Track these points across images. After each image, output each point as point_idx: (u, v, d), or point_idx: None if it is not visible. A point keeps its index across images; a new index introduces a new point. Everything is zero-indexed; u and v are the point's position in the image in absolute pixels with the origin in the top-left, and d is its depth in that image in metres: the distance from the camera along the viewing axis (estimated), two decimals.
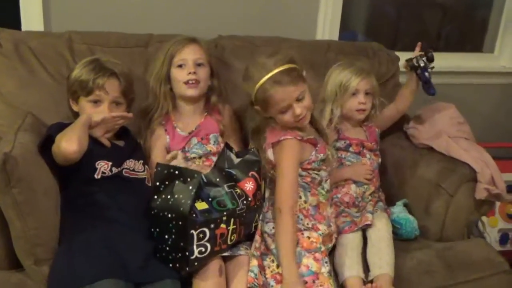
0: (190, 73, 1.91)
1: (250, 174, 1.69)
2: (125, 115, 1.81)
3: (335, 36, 2.65)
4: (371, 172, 2.02)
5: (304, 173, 1.77)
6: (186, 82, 1.92)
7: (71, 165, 1.62)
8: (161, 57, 1.95)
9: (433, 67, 2.04)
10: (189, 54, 1.93)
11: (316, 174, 1.78)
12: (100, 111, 1.77)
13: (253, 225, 1.72)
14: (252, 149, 1.75)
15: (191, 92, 1.94)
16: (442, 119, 2.12)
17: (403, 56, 2.53)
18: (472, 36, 3.23)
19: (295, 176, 1.70)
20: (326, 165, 1.81)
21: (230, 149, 1.78)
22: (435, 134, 2.09)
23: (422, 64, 2.02)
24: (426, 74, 2.02)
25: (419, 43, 2.09)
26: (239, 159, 1.73)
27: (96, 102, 1.79)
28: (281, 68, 1.64)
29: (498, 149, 2.76)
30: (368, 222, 1.84)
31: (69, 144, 1.55)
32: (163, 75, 1.95)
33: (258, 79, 1.66)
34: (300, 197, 1.75)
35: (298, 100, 1.67)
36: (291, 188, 1.68)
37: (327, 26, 2.61)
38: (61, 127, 1.68)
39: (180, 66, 1.93)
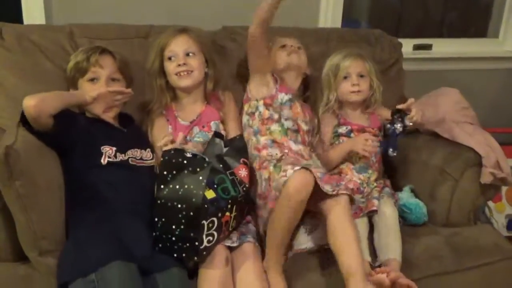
0: (179, 64, 1.90)
1: (241, 161, 1.72)
2: (123, 90, 1.81)
3: (337, 24, 2.64)
4: (371, 143, 1.96)
5: (262, 108, 1.99)
6: (177, 74, 1.91)
7: (68, 146, 1.64)
8: (153, 51, 1.95)
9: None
10: (178, 46, 1.92)
11: (276, 111, 1.97)
12: (97, 88, 1.77)
13: (245, 210, 1.75)
14: (238, 137, 1.79)
15: (183, 83, 1.93)
16: (446, 104, 2.11)
17: (406, 43, 2.53)
18: (476, 21, 3.21)
19: None
20: (292, 110, 2.00)
21: (221, 137, 1.79)
22: (439, 119, 2.08)
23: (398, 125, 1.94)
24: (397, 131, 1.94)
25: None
26: (227, 148, 1.75)
27: (93, 80, 1.80)
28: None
29: (503, 135, 2.74)
30: (374, 208, 1.85)
31: (30, 99, 1.55)
32: (156, 69, 1.95)
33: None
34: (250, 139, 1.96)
35: (296, 48, 2.07)
36: None
37: (329, 15, 2.61)
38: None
39: (170, 58, 1.92)
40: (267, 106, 1.98)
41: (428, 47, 2.86)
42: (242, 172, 1.69)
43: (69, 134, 1.66)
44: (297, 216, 1.62)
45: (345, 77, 2.07)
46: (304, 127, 2.01)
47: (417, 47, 2.84)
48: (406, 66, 2.47)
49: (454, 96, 2.14)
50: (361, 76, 2.07)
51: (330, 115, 2.10)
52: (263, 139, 1.93)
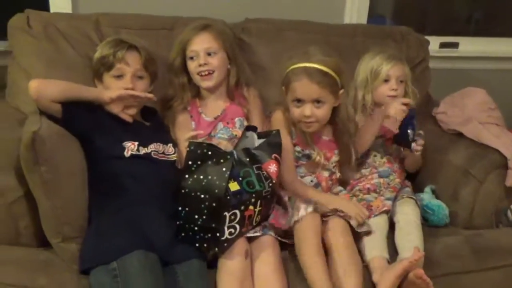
0: (200, 65, 1.89)
1: (273, 156, 1.70)
2: (145, 95, 1.79)
3: (363, 21, 2.62)
4: (400, 102, 1.90)
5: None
6: (199, 74, 1.91)
7: (83, 135, 1.67)
8: (175, 48, 1.95)
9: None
10: (199, 45, 1.90)
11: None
12: (122, 84, 1.77)
13: (272, 205, 1.74)
14: (274, 131, 1.75)
15: (205, 83, 1.93)
16: (472, 104, 2.08)
17: (432, 41, 2.51)
18: (504, 20, 3.16)
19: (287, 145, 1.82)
20: (308, 166, 1.87)
21: (254, 129, 1.77)
22: (465, 119, 2.05)
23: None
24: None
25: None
26: (261, 141, 1.73)
27: (119, 76, 1.79)
28: (319, 67, 1.72)
29: None
30: (386, 208, 1.83)
31: (34, 80, 1.64)
32: (178, 67, 1.94)
33: (295, 62, 1.75)
34: None
35: (316, 102, 1.76)
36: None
37: (355, 10, 2.59)
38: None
39: (191, 57, 1.92)
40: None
41: (454, 45, 2.83)
42: (272, 168, 1.67)
43: (78, 122, 1.67)
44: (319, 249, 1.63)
45: (386, 80, 2.02)
46: (326, 173, 1.90)
47: (443, 45, 2.81)
48: (432, 64, 2.45)
49: (481, 97, 2.11)
50: (400, 81, 2.02)
51: (365, 118, 2.03)
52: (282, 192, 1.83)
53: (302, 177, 1.88)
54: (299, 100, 1.77)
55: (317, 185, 1.89)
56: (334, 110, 1.83)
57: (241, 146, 1.71)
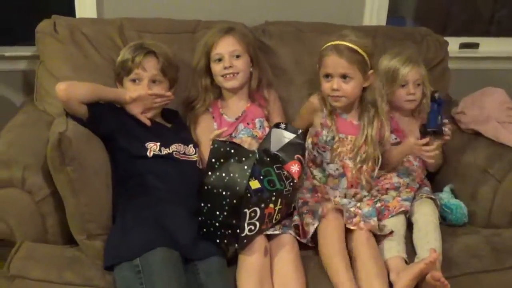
0: (226, 67, 1.93)
1: (295, 157, 1.73)
2: (163, 93, 1.85)
3: (382, 22, 2.62)
4: (428, 148, 1.84)
5: (310, 147, 1.93)
6: (223, 76, 1.95)
7: (106, 135, 1.73)
8: (199, 50, 1.99)
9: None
10: (224, 47, 1.94)
11: (319, 152, 1.91)
12: (139, 89, 1.82)
13: (292, 205, 1.77)
14: (300, 132, 1.77)
15: (229, 84, 1.97)
16: (491, 104, 2.07)
17: (452, 41, 2.50)
18: None
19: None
20: (333, 150, 1.89)
21: (278, 125, 1.79)
22: (483, 119, 2.05)
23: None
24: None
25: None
26: (288, 135, 1.76)
27: (135, 80, 1.85)
28: (349, 44, 1.80)
29: None
30: (403, 209, 1.83)
31: (61, 83, 1.67)
32: (202, 69, 1.99)
33: (329, 41, 1.85)
34: None
35: (343, 77, 1.82)
36: None
37: (374, 12, 2.59)
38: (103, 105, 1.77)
39: (216, 60, 1.95)
40: (313, 145, 1.94)
41: (474, 46, 2.81)
42: (294, 168, 1.71)
43: (103, 123, 1.73)
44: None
45: (403, 85, 2.02)
46: (352, 164, 1.89)
47: (463, 46, 2.79)
48: (452, 65, 2.44)
49: (500, 96, 2.10)
50: (418, 84, 2.03)
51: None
52: (306, 183, 1.90)
53: (328, 163, 1.91)
54: (328, 75, 1.85)
55: (342, 175, 1.90)
56: (363, 91, 1.90)
57: (268, 142, 1.74)
